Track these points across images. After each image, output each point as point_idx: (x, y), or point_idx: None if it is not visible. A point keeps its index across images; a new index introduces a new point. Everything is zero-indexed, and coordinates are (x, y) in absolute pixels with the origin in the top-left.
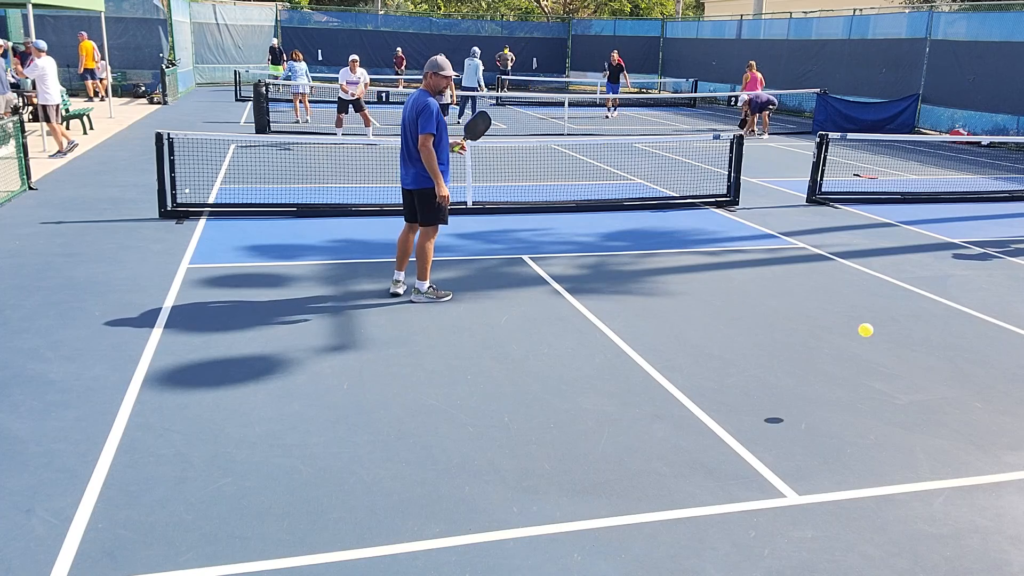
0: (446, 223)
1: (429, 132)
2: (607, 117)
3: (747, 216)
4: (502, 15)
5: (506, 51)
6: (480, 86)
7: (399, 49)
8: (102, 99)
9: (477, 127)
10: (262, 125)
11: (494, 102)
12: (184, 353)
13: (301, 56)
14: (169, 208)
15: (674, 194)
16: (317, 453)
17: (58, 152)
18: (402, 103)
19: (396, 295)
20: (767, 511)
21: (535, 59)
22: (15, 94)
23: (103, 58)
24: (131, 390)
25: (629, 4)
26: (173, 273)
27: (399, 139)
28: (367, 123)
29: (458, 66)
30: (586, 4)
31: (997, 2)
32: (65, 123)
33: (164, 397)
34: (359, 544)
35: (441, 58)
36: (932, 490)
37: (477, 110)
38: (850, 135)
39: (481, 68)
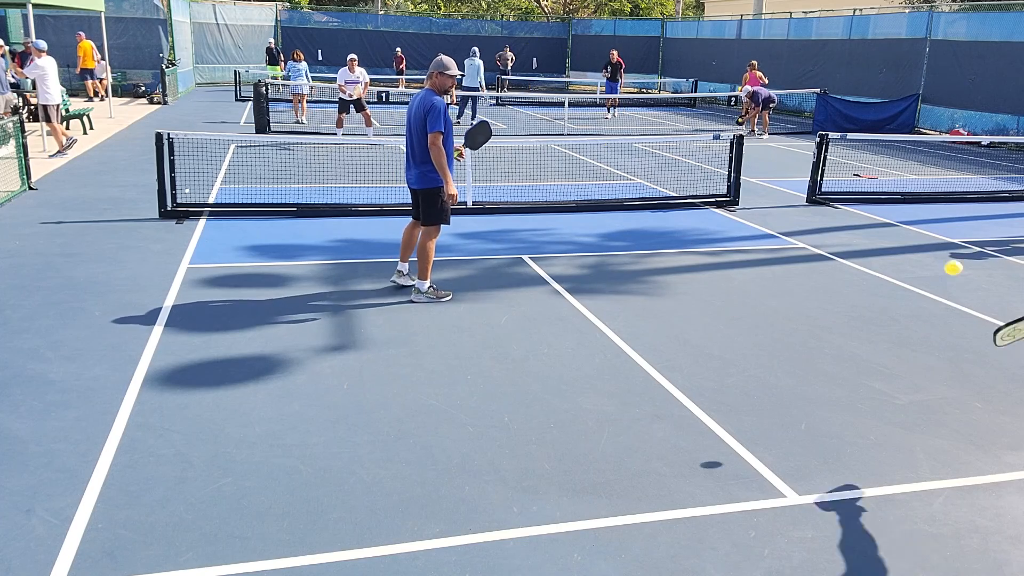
0: (448, 223)
1: (438, 130)
2: (607, 118)
3: (747, 216)
4: (502, 15)
5: (506, 51)
6: (482, 86)
7: (399, 49)
8: (102, 99)
9: (477, 137)
10: (262, 125)
11: (494, 102)
12: (184, 353)
13: (303, 56)
14: (169, 208)
15: (674, 194)
16: (317, 453)
17: (58, 152)
18: (403, 103)
19: (398, 285)
20: (767, 511)
21: (535, 59)
22: (15, 94)
23: (103, 58)
24: (131, 390)
25: (629, 4)
26: (173, 273)
27: (400, 139)
28: (368, 123)
29: (459, 66)
30: (586, 4)
31: (997, 2)
32: (65, 123)
33: (164, 397)
34: (359, 544)
35: (446, 58)
36: (932, 490)
37: (477, 110)
38: (850, 135)
39: (482, 68)
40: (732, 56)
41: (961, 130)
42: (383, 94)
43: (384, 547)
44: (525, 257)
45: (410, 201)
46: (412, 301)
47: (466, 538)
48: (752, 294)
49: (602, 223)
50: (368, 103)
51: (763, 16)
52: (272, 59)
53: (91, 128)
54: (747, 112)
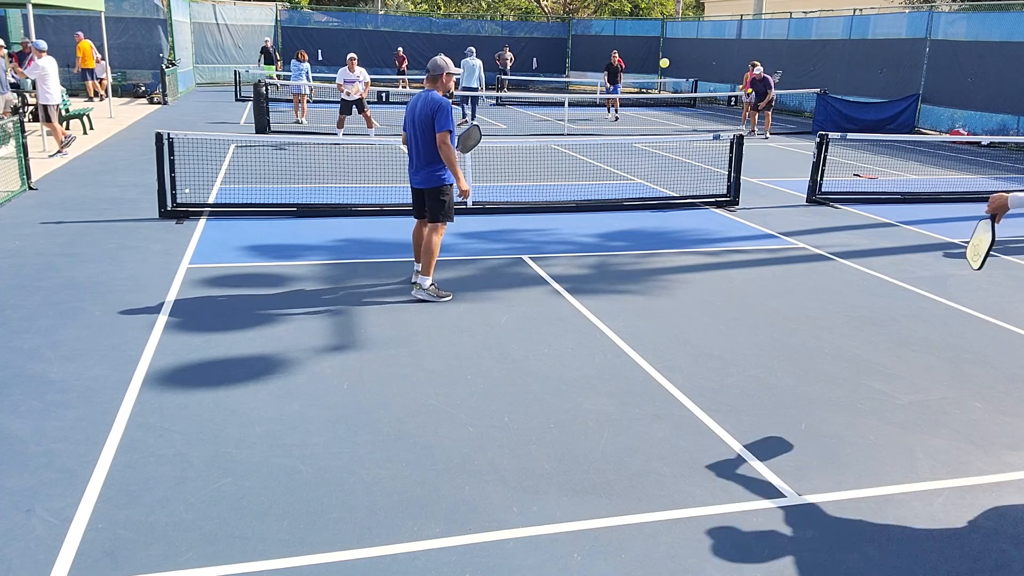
0: (452, 221)
1: (447, 129)
2: (609, 119)
3: (747, 216)
4: (502, 15)
5: (506, 51)
6: (481, 86)
7: (400, 49)
8: (102, 99)
9: (469, 140)
10: (262, 125)
11: (494, 102)
12: (184, 353)
13: (307, 56)
14: (169, 208)
15: (674, 194)
16: (317, 453)
17: (58, 151)
18: (403, 103)
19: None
20: (767, 511)
21: (535, 59)
22: (15, 94)
23: (103, 58)
24: (131, 390)
25: (629, 4)
26: (173, 273)
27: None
28: (369, 124)
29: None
30: (586, 4)
31: (997, 2)
32: (65, 123)
33: (164, 397)
34: (359, 544)
35: (445, 59)
36: (932, 490)
37: (476, 111)
38: (850, 135)
39: (480, 68)
40: (732, 56)
41: (961, 130)
42: (383, 94)
43: (384, 547)
44: (525, 257)
45: (411, 201)
46: (413, 295)
47: (466, 538)
48: (752, 294)
49: (602, 223)
50: (368, 103)
51: (763, 16)
52: (268, 58)
53: (91, 128)
54: (747, 111)
